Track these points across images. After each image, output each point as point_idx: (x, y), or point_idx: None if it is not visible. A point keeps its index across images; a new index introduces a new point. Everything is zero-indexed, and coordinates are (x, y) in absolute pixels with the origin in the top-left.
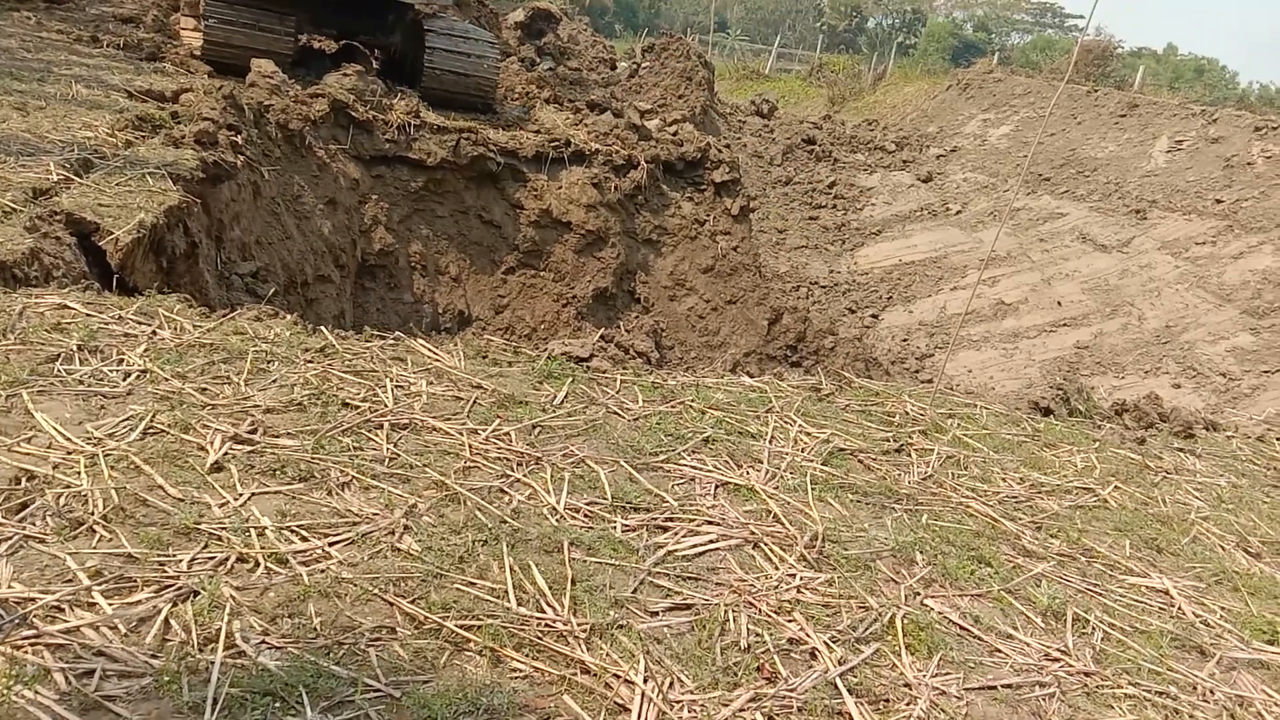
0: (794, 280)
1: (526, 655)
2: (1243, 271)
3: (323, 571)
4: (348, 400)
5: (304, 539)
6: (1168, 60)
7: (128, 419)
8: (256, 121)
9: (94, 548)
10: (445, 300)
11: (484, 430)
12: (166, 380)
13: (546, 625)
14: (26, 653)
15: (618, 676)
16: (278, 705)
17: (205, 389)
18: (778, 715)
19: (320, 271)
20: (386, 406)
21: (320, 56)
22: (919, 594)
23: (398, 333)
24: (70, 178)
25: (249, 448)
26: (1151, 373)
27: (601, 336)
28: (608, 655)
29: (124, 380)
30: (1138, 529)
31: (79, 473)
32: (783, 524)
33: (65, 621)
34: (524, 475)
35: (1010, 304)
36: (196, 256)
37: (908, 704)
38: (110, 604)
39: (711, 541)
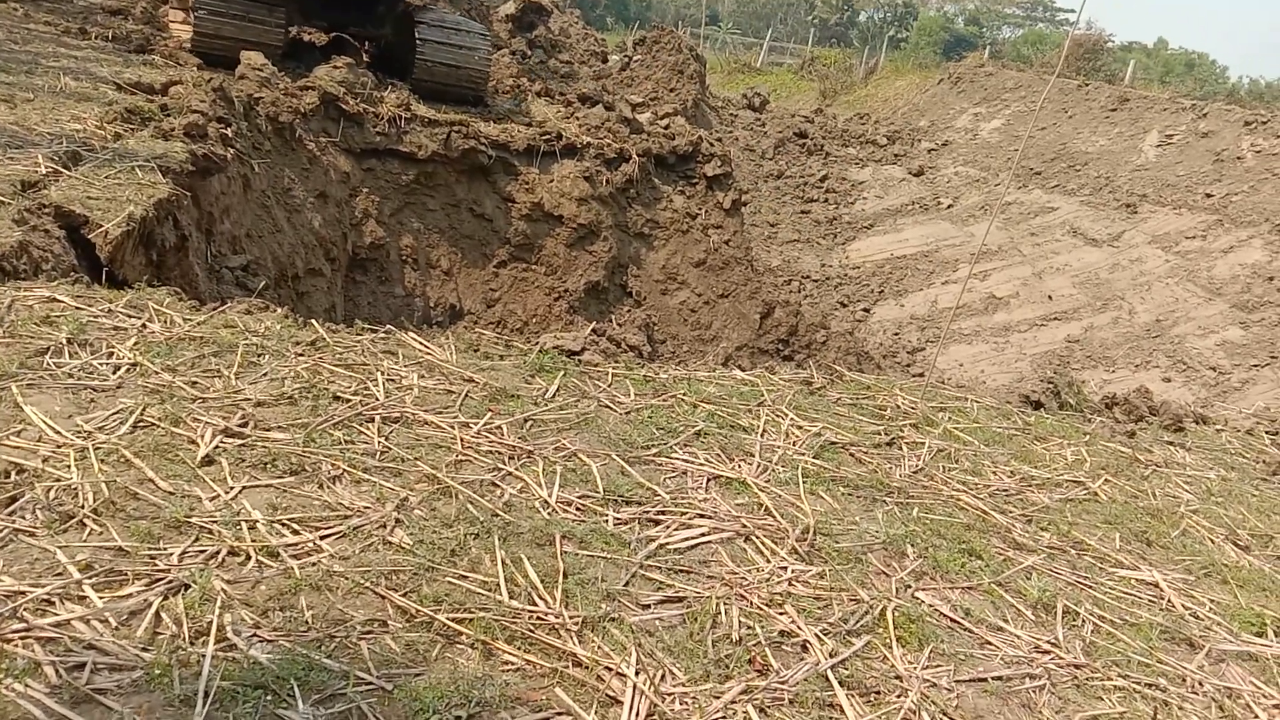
0: (786, 274)
1: (518, 648)
2: (1232, 265)
3: (314, 565)
4: (339, 393)
5: (295, 532)
6: (1158, 55)
7: (118, 412)
8: (246, 114)
9: (84, 541)
10: (437, 294)
11: (475, 424)
12: (157, 373)
13: (538, 618)
14: (17, 646)
15: (609, 669)
16: (269, 698)
17: (195, 382)
18: (769, 707)
19: (311, 265)
20: (378, 400)
21: (310, 49)
22: (910, 587)
23: (389, 326)
24: (59, 170)
25: (240, 441)
26: (1142, 366)
27: (593, 330)
28: (599, 648)
29: (114, 373)
30: (1128, 522)
31: (69, 466)
32: (774, 517)
33: (56, 615)
34: (516, 469)
35: (1001, 298)
36: (186, 249)
37: (898, 696)
38: (101, 597)
39: (703, 535)
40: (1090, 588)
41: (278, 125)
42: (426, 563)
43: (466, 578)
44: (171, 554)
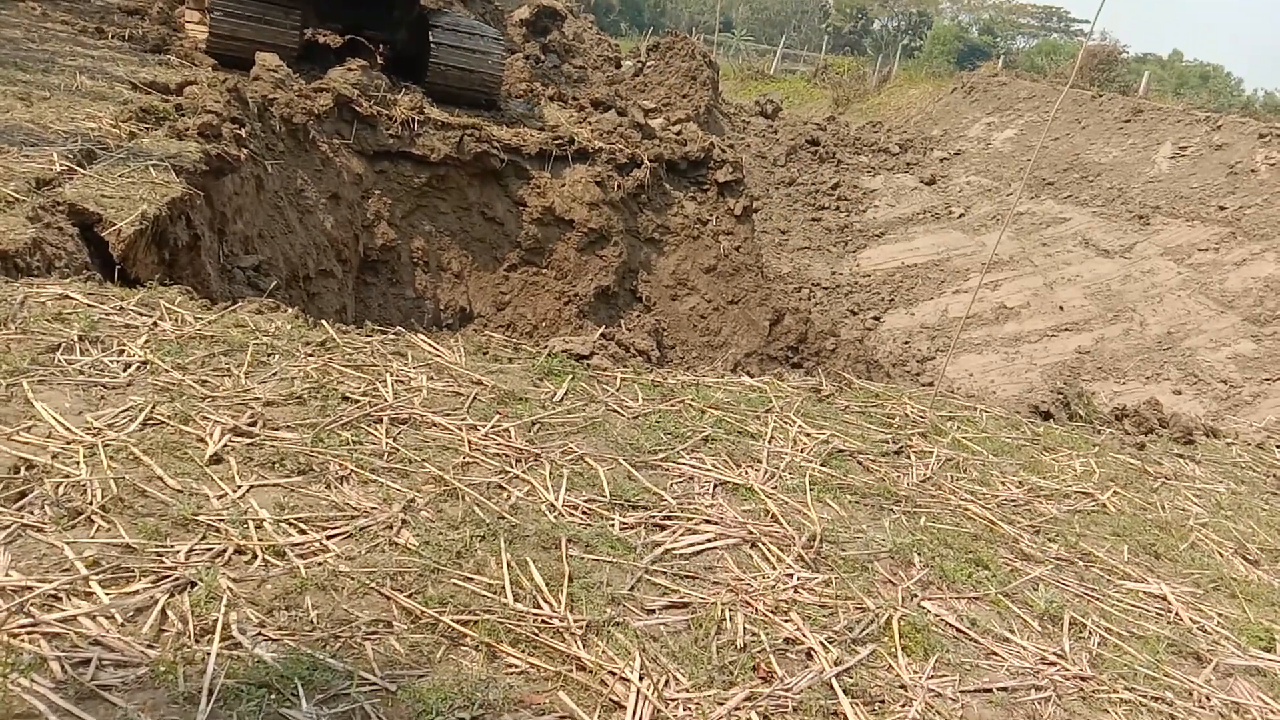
0: (796, 281)
1: (522, 651)
2: (1245, 279)
3: (320, 564)
4: (348, 394)
5: (302, 532)
6: (1173, 66)
7: (127, 410)
8: (260, 115)
9: (92, 538)
10: (447, 296)
11: (483, 426)
12: (167, 371)
13: (543, 621)
14: (23, 641)
15: (613, 674)
16: (273, 697)
17: (205, 381)
18: (773, 715)
19: (322, 266)
20: (386, 401)
21: (325, 51)
22: (916, 596)
23: (399, 328)
24: (73, 168)
25: (248, 440)
26: (1152, 378)
27: (602, 334)
28: (604, 652)
29: (124, 371)
30: (1136, 534)
31: (78, 463)
32: (781, 524)
33: (62, 611)
34: (523, 472)
35: (1012, 308)
36: (199, 249)
37: (903, 705)
38: (107, 594)
39: (709, 540)
40: (1098, 600)
41: (291, 126)
42: (432, 564)
43: (472, 580)
44: (178, 552)
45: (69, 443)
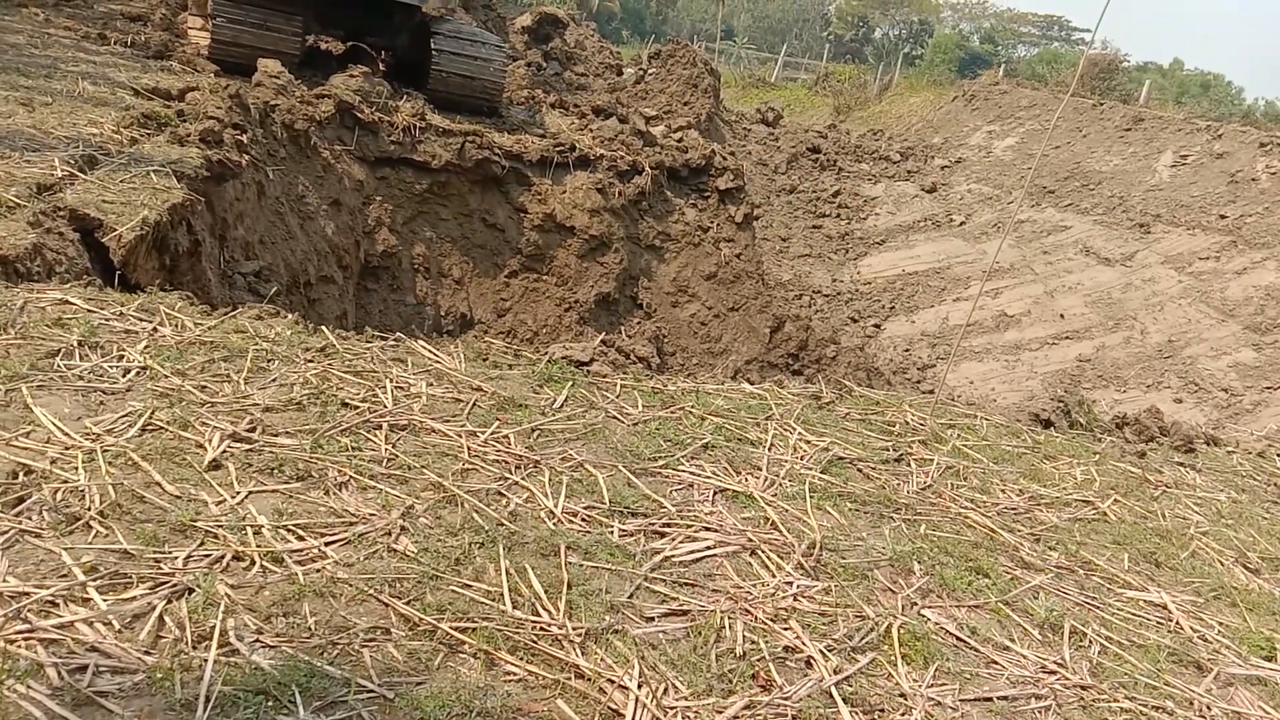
0: (797, 288)
1: (521, 659)
2: (1246, 287)
3: (318, 571)
4: (347, 400)
5: (300, 538)
6: (1173, 75)
7: (126, 415)
8: (262, 121)
9: (90, 543)
10: (448, 303)
11: (483, 433)
12: (166, 377)
13: (541, 629)
14: (20, 647)
15: (612, 682)
16: (270, 704)
17: (205, 386)
18: None
19: (323, 272)
20: (386, 407)
21: (327, 57)
22: (916, 604)
23: (399, 334)
24: (75, 174)
25: (247, 446)
26: (1153, 387)
27: (603, 341)
28: (602, 660)
29: (124, 376)
30: (1136, 543)
31: (77, 468)
32: (780, 531)
33: (59, 617)
34: (522, 478)
35: (1013, 316)
36: (199, 255)
37: (903, 714)
38: (105, 600)
39: (709, 548)
40: (1098, 608)
41: (293, 132)
42: (431, 571)
43: (470, 587)
44: (176, 558)
45: (68, 448)
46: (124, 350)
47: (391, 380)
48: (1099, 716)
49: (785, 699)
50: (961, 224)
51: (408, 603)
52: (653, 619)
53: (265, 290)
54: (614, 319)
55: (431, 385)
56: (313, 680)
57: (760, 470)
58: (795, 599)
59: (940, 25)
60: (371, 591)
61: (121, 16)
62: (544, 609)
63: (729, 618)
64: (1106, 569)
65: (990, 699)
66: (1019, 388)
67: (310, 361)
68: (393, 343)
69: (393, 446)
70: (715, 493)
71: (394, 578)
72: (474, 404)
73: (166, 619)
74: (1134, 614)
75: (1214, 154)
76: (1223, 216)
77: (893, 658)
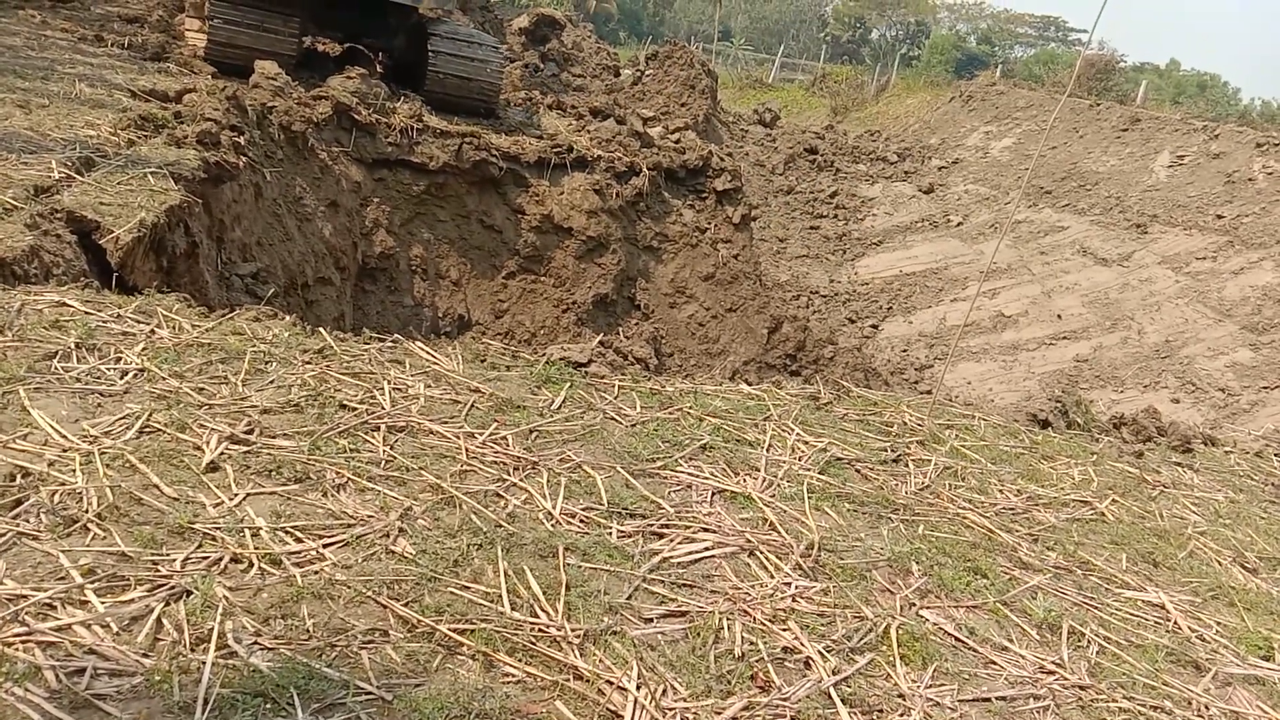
0: (794, 289)
1: (519, 660)
2: (1243, 287)
3: (316, 573)
4: (345, 402)
5: (298, 540)
6: (1170, 75)
7: (124, 417)
8: (259, 123)
9: (88, 546)
10: (445, 304)
11: (481, 434)
12: (164, 379)
13: (540, 630)
14: (17, 650)
15: (611, 683)
16: (269, 706)
17: (202, 388)
18: None
19: (321, 274)
20: (384, 409)
21: (324, 59)
22: (914, 604)
23: (396, 335)
24: (72, 176)
25: (245, 448)
26: (1150, 387)
27: (600, 342)
28: (601, 661)
29: (121, 379)
30: (1134, 542)
31: (74, 470)
32: (779, 532)
33: (57, 619)
34: (520, 480)
35: (1010, 316)
36: (197, 256)
37: (901, 715)
38: (103, 602)
39: (707, 549)
40: (1096, 608)
41: (290, 134)
42: (429, 573)
43: (469, 588)
44: (174, 560)
45: (65, 450)
46: (121, 352)
47: (389, 382)
48: (1097, 717)
49: (784, 700)
50: (959, 224)
51: (406, 604)
52: (651, 620)
53: (263, 292)
54: (612, 320)
55: (429, 387)
56: (311, 682)
57: (758, 471)
58: (794, 600)
59: (937, 26)
60: (370, 593)
61: (118, 18)
62: (542, 610)
63: (728, 619)
64: (1104, 569)
65: (989, 699)
66: (1016, 388)
67: (308, 363)
68: (390, 344)
69: (391, 448)
70: (713, 494)
71: (392, 579)
72: (472, 405)
73: (165, 621)
74: (1132, 614)
75: (1211, 154)
76: (1219, 216)
77: (891, 658)
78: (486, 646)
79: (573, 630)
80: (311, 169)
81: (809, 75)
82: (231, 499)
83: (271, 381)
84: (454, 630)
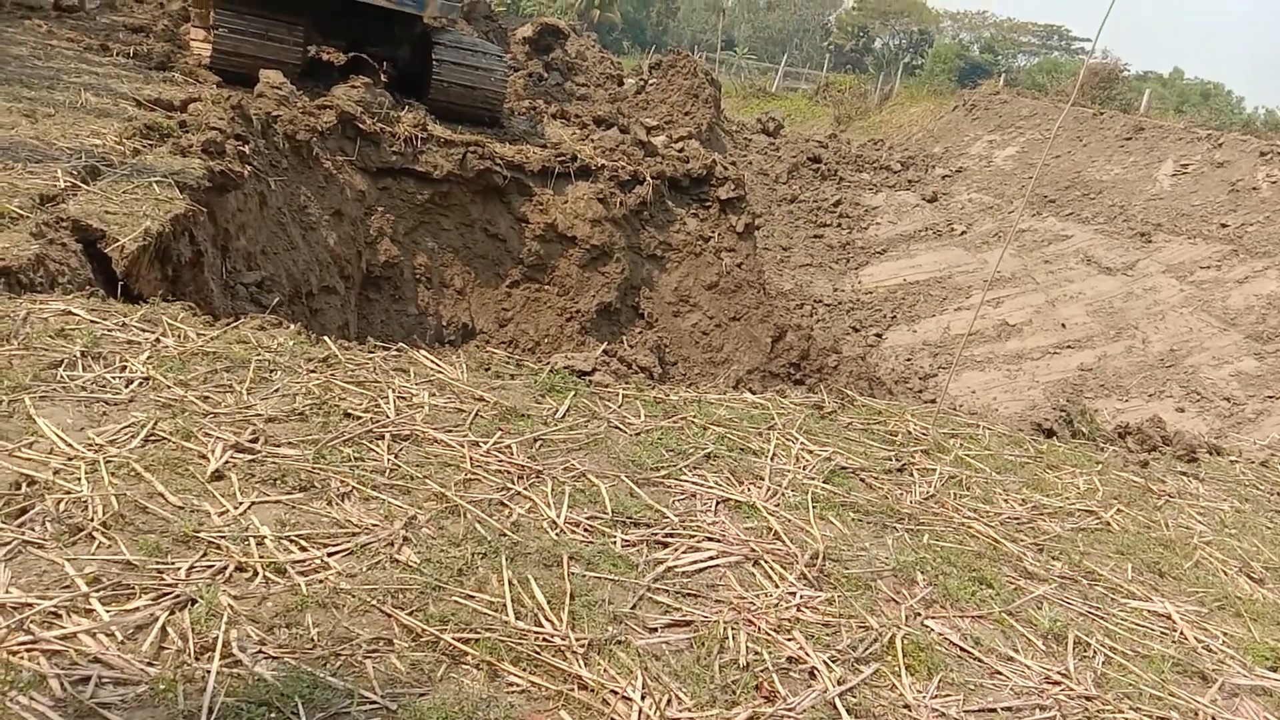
0: (798, 298)
1: (524, 669)
2: (1247, 296)
3: (321, 582)
4: (349, 410)
5: (303, 549)
6: (1174, 84)
7: (129, 426)
8: (264, 132)
9: (93, 554)
10: (449, 312)
11: (485, 443)
12: (169, 388)
13: (544, 640)
14: (23, 658)
15: (615, 693)
16: (273, 715)
17: (207, 397)
18: None
19: (325, 282)
20: (388, 417)
21: (329, 68)
22: (919, 614)
23: (401, 344)
24: (78, 185)
25: (250, 456)
26: (1155, 396)
27: (605, 351)
28: (605, 671)
29: (126, 387)
30: (1140, 552)
31: (79, 479)
32: (783, 542)
33: (62, 628)
34: (524, 488)
35: (1014, 325)
36: (202, 265)
37: None
38: (108, 611)
39: (712, 558)
40: (1102, 619)
41: (295, 143)
42: (433, 582)
43: (473, 597)
44: (179, 568)
45: (70, 459)
46: (127, 361)
47: (394, 390)
48: None
49: (789, 710)
50: (962, 233)
51: (410, 613)
52: (656, 630)
53: (267, 300)
54: (616, 329)
55: (434, 395)
56: (315, 691)
57: (763, 480)
58: (798, 609)
59: (940, 35)
60: (374, 602)
61: (124, 28)
62: (547, 620)
63: (732, 628)
64: (1110, 579)
65: (994, 710)
66: (1021, 397)
67: (313, 372)
68: (395, 353)
69: (395, 457)
70: (718, 503)
71: (397, 588)
72: (476, 414)
73: (169, 630)
74: (1138, 624)
75: (1214, 163)
76: (1224, 225)
77: (896, 668)
78: (491, 656)
79: (577, 640)
80: (316, 178)
81: (812, 84)
82: (236, 507)
83: (276, 390)
84: (458, 639)
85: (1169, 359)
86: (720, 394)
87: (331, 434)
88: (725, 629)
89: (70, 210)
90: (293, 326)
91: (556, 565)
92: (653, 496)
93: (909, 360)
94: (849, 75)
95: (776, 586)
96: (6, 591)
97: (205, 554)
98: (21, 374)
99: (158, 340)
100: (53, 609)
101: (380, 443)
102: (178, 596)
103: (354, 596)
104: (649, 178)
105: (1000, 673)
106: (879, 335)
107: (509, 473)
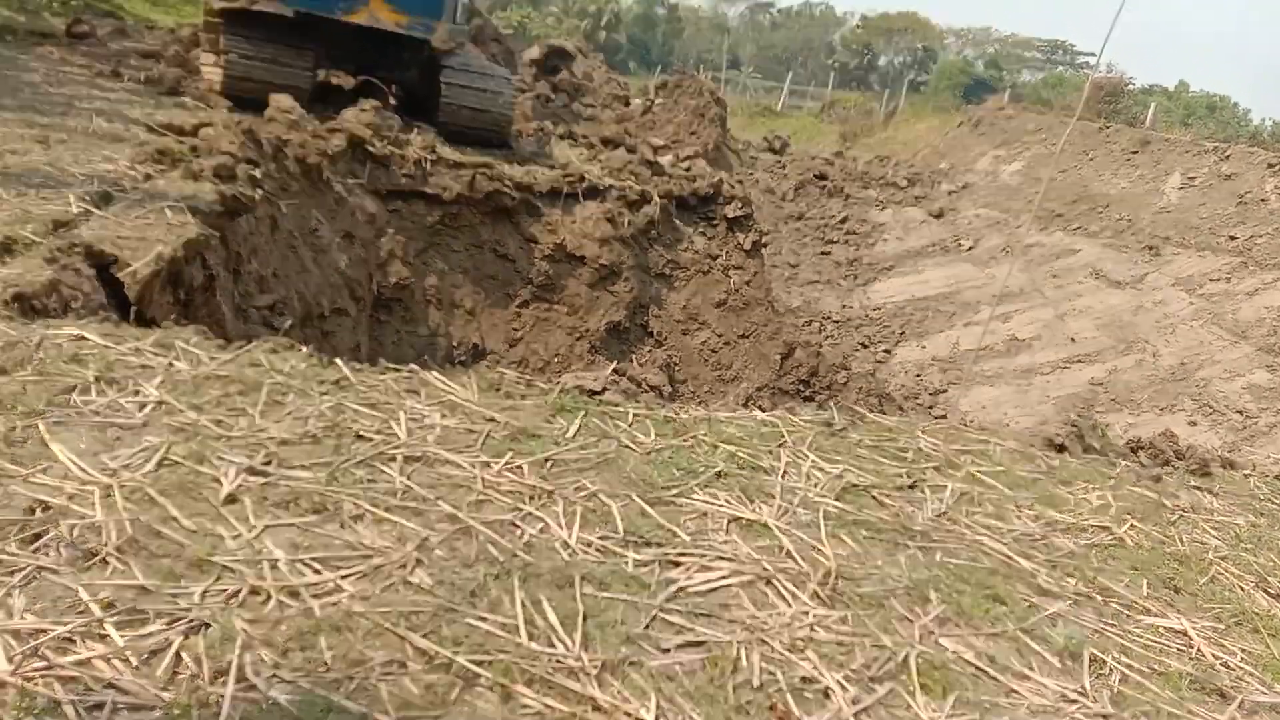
0: (806, 315)
1: (537, 691)
2: (1258, 308)
3: (334, 605)
4: (362, 432)
5: (316, 572)
6: (1179, 97)
7: (143, 450)
8: (275, 156)
9: (107, 579)
10: (460, 333)
11: (496, 463)
12: (182, 412)
13: (557, 661)
14: (38, 685)
15: (629, 714)
16: None
17: (220, 421)
18: None
19: (336, 304)
20: (400, 439)
21: (338, 92)
22: (933, 633)
23: (412, 365)
24: (90, 210)
25: (263, 480)
26: (1167, 410)
27: (614, 370)
28: (619, 692)
29: (140, 411)
30: (1155, 568)
31: (93, 504)
32: (795, 560)
33: (77, 653)
34: (536, 509)
35: (1024, 340)
36: (214, 289)
37: None
38: (122, 636)
39: (724, 577)
40: (1117, 635)
41: (305, 167)
42: (446, 603)
43: (486, 619)
44: (193, 593)
45: (84, 484)
46: (140, 385)
47: (405, 412)
48: None
49: None
50: (970, 249)
51: (424, 635)
52: (669, 650)
53: (279, 323)
54: (625, 347)
55: (445, 416)
56: (330, 715)
57: (774, 498)
58: (812, 629)
59: (944, 52)
60: (388, 625)
61: (135, 54)
62: (560, 640)
63: (745, 648)
64: (1125, 595)
65: None
66: (1032, 412)
67: (325, 394)
68: (406, 374)
69: (408, 478)
70: (729, 521)
71: (410, 610)
72: (487, 434)
73: (184, 655)
74: (1154, 641)
75: (1222, 175)
76: (1232, 238)
77: (911, 688)
78: (504, 678)
79: (590, 661)
80: (326, 201)
81: (817, 102)
82: (250, 531)
83: (289, 413)
84: (472, 661)
85: (1180, 372)
86: (730, 412)
87: (344, 456)
88: (738, 649)
89: (83, 235)
90: (305, 349)
91: (569, 586)
92: (664, 516)
93: (918, 376)
94: (854, 93)
95: (789, 605)
96: (21, 617)
97: (219, 578)
98: (35, 399)
99: (170, 364)
100: (67, 634)
101: (392, 464)
102: (192, 621)
103: (367, 619)
104: (656, 197)
105: (1016, 691)
106: (888, 351)
107: (520, 493)
